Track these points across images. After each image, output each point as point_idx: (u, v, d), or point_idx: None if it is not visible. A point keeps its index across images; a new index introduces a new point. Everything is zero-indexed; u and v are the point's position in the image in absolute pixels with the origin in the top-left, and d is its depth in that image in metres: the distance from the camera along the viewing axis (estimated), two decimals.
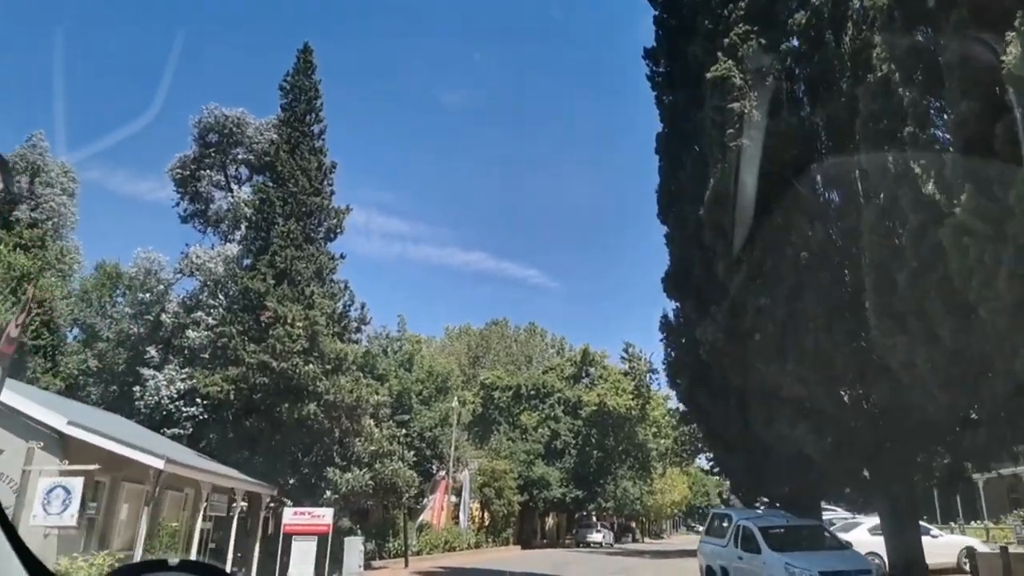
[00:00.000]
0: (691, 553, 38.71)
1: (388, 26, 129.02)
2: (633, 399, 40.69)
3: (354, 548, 21.66)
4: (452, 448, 35.43)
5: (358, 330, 25.75)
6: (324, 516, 20.46)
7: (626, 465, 45.33)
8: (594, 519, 51.08)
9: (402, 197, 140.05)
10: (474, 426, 48.67)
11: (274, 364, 20.46)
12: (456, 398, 36.96)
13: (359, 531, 24.42)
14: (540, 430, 44.33)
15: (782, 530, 14.59)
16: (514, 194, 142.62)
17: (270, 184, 23.73)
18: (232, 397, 20.76)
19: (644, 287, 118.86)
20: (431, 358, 41.37)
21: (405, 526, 23.52)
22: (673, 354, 19.31)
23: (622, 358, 36.35)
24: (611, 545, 48.83)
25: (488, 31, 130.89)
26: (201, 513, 16.66)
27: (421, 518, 29.56)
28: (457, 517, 34.75)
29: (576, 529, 50.38)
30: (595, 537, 47.21)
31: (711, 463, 40.58)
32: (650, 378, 35.87)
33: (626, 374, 36.40)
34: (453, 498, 38.49)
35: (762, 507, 19.62)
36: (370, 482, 21.86)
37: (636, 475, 54.17)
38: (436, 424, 37.13)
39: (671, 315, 19.70)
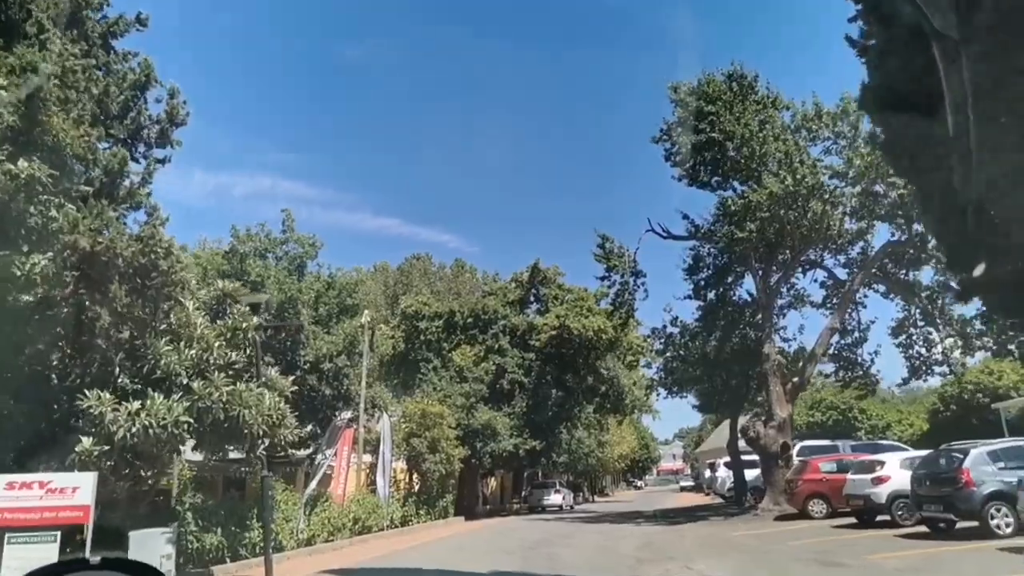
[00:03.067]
0: (696, 511, 29.96)
1: None
2: (608, 317, 30.89)
3: (150, 550, 10.68)
4: (363, 381, 24.38)
5: (163, 138, 14.01)
6: (73, 491, 9.82)
7: (592, 406, 35.59)
8: (555, 477, 41.52)
9: (308, 160, 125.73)
10: (395, 368, 37.69)
11: None
12: (367, 313, 25.77)
13: (187, 515, 13.29)
14: (484, 365, 33.85)
15: None
16: (427, 154, 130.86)
17: None
18: None
19: (565, 252, 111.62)
20: (335, 268, 29.89)
21: (265, 499, 12.53)
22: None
23: (596, 256, 26.09)
24: (571, 508, 39.48)
25: None
26: None
27: (312, 486, 18.56)
28: (374, 483, 24.00)
29: (529, 490, 40.60)
30: (554, 499, 37.59)
31: (702, 397, 31.48)
32: (634, 286, 25.84)
33: (603, 278, 26.20)
34: (367, 457, 27.52)
35: None
36: (186, 418, 10.78)
37: (596, 422, 44.90)
38: (340, 352, 25.92)
39: None
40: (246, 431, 11.67)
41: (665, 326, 29.45)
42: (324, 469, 19.18)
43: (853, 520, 16.55)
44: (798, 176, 20.81)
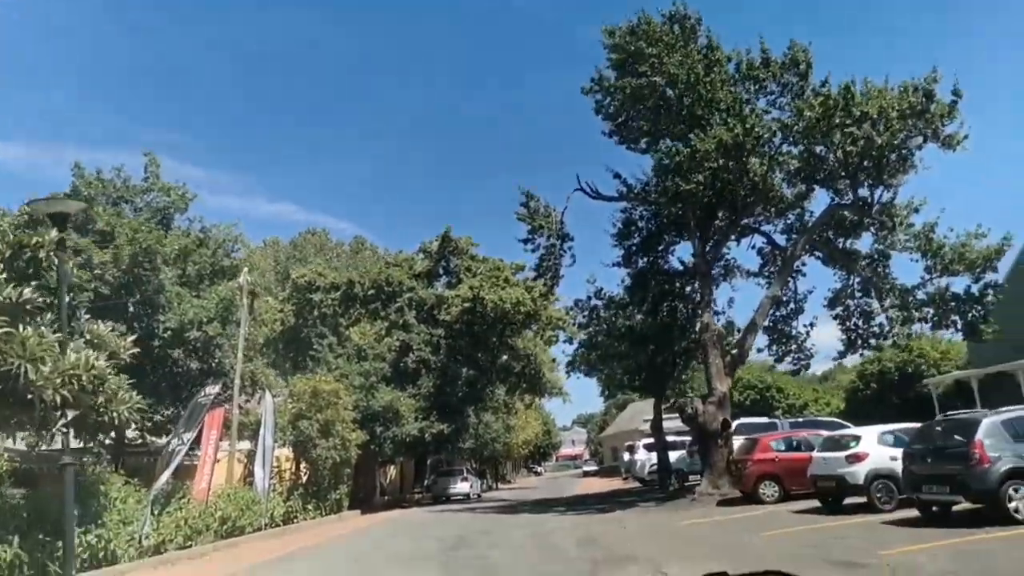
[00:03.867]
0: (619, 497, 27.74)
1: None
2: (527, 289, 28.15)
3: None
4: (240, 352, 20.24)
5: None
6: None
7: (506, 387, 32.69)
8: (461, 463, 38.43)
9: (194, 138, 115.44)
10: (284, 347, 33.30)
11: None
12: (245, 271, 21.55)
13: None
14: (387, 340, 30.18)
15: None
16: (324, 133, 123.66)
17: None
18: None
19: (480, 237, 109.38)
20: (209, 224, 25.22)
21: (68, 497, 8.62)
22: None
23: (519, 216, 23.20)
24: (479, 497, 36.63)
25: None
26: None
27: (163, 479, 14.45)
28: (252, 475, 19.96)
29: (433, 478, 37.28)
30: (460, 487, 34.58)
31: (625, 374, 29.49)
32: (560, 249, 23.19)
33: (526, 240, 23.36)
34: (244, 444, 23.35)
35: None
36: None
37: (504, 405, 42.24)
38: (212, 319, 21.71)
39: None
40: (31, 396, 7.79)
41: (590, 298, 27.06)
42: (181, 457, 15.06)
43: (815, 504, 14.60)
44: (747, 125, 18.75)
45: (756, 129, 19.00)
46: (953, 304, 20.70)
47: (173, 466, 14.77)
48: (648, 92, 20.24)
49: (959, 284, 21.14)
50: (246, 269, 21.58)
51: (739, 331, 23.26)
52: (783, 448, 17.57)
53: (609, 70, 21.68)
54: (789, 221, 23.32)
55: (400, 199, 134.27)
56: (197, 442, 17.05)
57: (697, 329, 22.22)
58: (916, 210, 21.44)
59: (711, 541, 11.60)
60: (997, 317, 21.06)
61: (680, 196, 20.46)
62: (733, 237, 23.23)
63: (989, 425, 10.14)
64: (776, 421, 21.75)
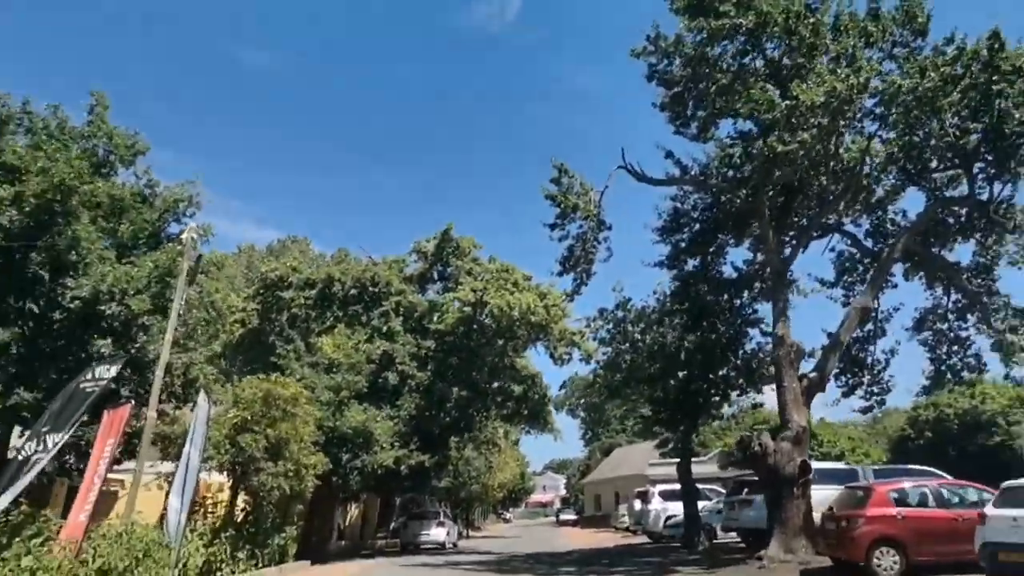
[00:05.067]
0: (636, 556, 22.16)
1: None
2: (540, 296, 23.28)
3: None
4: (170, 330, 14.84)
5: None
6: None
7: (505, 411, 27.29)
8: (435, 505, 32.64)
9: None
10: (242, 351, 27.91)
11: None
12: (192, 225, 16.31)
13: None
14: (366, 347, 24.92)
15: None
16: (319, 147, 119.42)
17: None
18: None
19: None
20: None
21: None
22: None
23: (547, 194, 18.49)
24: (455, 546, 30.86)
25: None
26: None
27: (6, 500, 9.01)
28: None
29: (403, 522, 31.38)
30: (435, 534, 28.81)
31: (650, 403, 24.43)
32: (595, 239, 18.50)
33: (554, 225, 18.62)
34: (163, 466, 17.80)
35: None
36: None
37: (488, 439, 36.73)
38: (139, 290, 16.38)
39: None
40: None
41: (617, 307, 22.25)
42: (39, 469, 9.65)
43: None
44: (862, 78, 14.35)
45: (872, 83, 14.64)
46: None
47: (23, 483, 9.36)
48: (729, 33, 15.80)
49: None
50: (193, 224, 16.33)
51: (809, 353, 18.50)
52: (909, 502, 12.73)
53: (673, 15, 17.26)
54: (876, 221, 18.90)
55: (390, 215, 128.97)
56: (82, 454, 11.59)
57: (742, 352, 17.59)
58: None
59: None
60: None
61: (775, 160, 15.68)
62: (816, 233, 18.65)
63: None
64: (856, 469, 16.99)
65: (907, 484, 13.25)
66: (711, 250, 20.19)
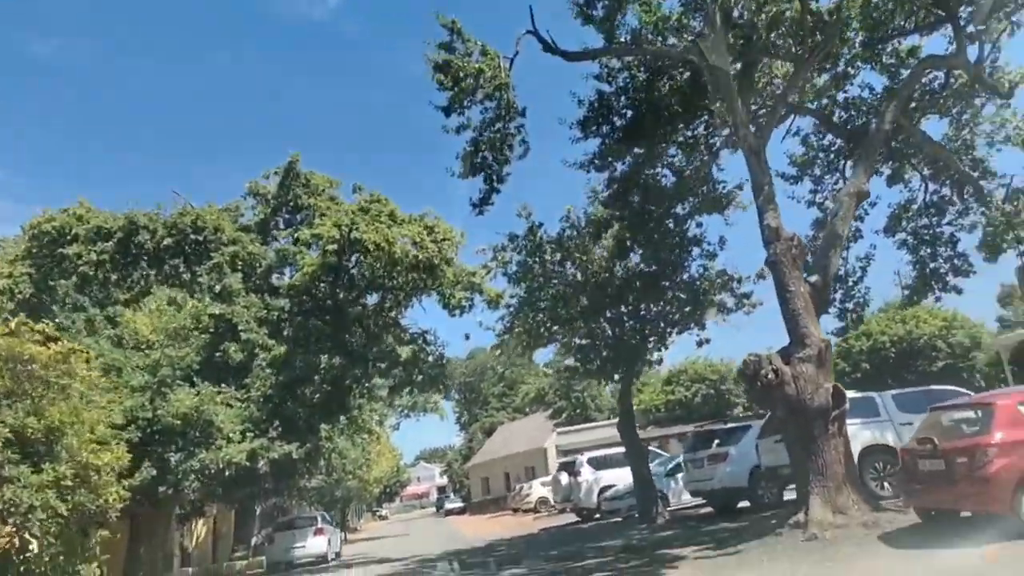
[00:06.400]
0: (589, 540, 17.60)
1: None
2: (428, 229, 18.23)
3: None
4: None
5: None
6: None
7: (392, 380, 21.57)
8: (308, 510, 26.36)
9: None
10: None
11: None
12: None
13: None
14: (192, 310, 18.40)
15: None
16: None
17: None
18: None
19: None
20: None
21: None
22: None
23: (435, 65, 13.34)
24: (338, 556, 24.97)
25: None
26: None
27: None
28: None
29: (268, 534, 24.81)
30: (314, 546, 22.75)
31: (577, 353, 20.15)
32: (505, 127, 13.68)
33: (446, 109, 13.54)
34: None
35: None
36: None
37: (363, 425, 30.73)
38: None
39: None
40: None
41: (529, 233, 17.68)
42: None
43: None
44: None
45: None
46: None
47: None
48: None
49: None
50: None
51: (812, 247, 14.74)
52: None
53: None
54: (846, 97, 15.73)
55: None
56: None
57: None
58: None
59: None
60: None
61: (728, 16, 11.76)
62: (782, 112, 14.80)
63: None
64: (874, 395, 13.77)
65: None
66: (647, 144, 16.00)
